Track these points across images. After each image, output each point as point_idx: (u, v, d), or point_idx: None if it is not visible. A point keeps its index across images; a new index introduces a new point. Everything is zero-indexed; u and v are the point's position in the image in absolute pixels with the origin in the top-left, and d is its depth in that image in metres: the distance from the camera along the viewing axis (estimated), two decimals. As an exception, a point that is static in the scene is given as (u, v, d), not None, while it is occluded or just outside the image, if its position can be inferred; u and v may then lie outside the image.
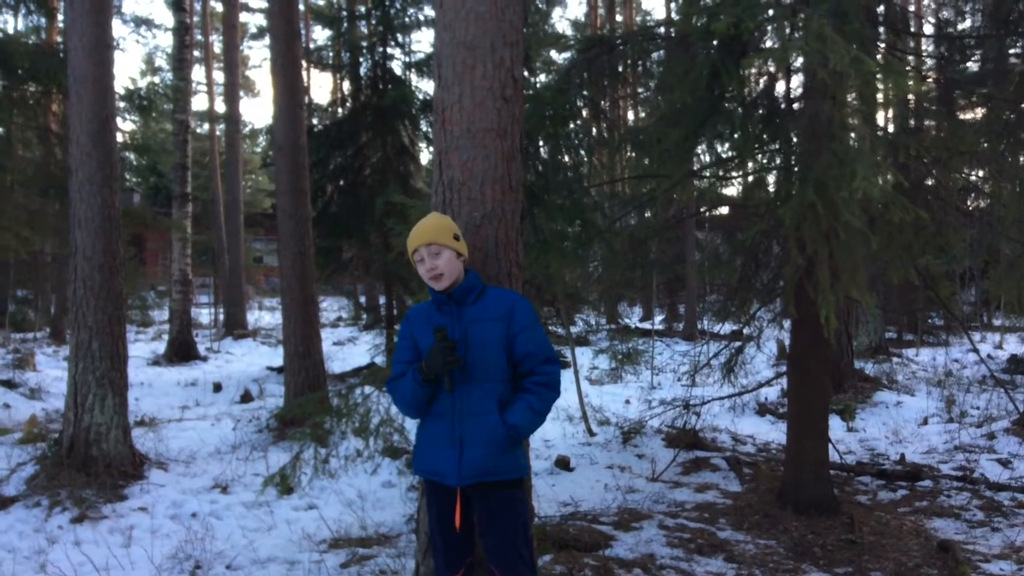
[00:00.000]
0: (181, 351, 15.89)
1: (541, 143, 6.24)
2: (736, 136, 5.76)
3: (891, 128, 9.95)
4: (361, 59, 13.86)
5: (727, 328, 12.50)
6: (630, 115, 27.21)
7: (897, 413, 10.42)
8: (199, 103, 28.95)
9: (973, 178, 7.47)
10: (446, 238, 3.17)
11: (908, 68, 8.31)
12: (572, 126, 6.49)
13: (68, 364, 6.99)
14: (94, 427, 6.79)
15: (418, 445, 3.25)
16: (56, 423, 9.18)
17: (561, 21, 33.01)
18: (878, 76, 4.09)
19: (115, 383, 6.88)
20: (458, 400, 3.11)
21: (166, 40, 36.30)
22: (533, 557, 3.31)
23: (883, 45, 7.65)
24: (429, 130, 13.89)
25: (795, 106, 6.00)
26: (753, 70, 5.27)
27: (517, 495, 3.23)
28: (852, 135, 4.52)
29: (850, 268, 4.98)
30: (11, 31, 17.05)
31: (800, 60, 5.13)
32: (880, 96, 4.78)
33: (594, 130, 7.36)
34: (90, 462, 6.70)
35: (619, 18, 31.06)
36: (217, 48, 30.04)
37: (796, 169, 5.50)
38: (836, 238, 4.86)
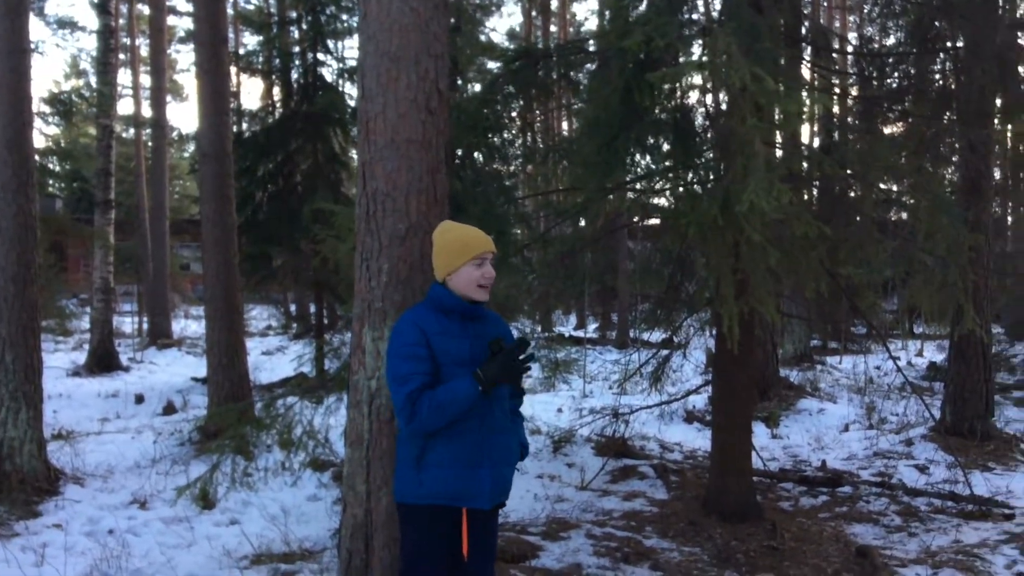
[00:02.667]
0: (102, 361, 15.44)
1: (469, 153, 6.24)
2: (649, 150, 5.87)
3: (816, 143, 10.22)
4: (292, 65, 13.69)
5: (658, 336, 12.66)
6: (564, 125, 27.42)
7: (820, 420, 10.67)
8: (125, 107, 28.29)
9: (895, 191, 7.69)
10: None
11: (835, 85, 8.56)
12: (499, 137, 6.51)
13: (-21, 377, 6.75)
14: (7, 442, 6.57)
15: (427, 469, 2.98)
16: (-32, 437, 8.84)
17: (495, 32, 33.08)
18: (779, 95, 4.19)
19: (29, 396, 6.66)
20: (486, 418, 2.99)
21: (91, 43, 35.40)
22: None
23: (807, 63, 7.86)
24: (361, 138, 13.76)
25: (712, 121, 6.14)
26: (667, 86, 5.35)
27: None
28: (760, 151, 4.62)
29: (755, 281, 5.08)
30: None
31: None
32: (781, 113, 4.88)
33: (527, 141, 7.40)
34: (2, 478, 6.48)
35: (554, 29, 31.30)
36: (144, 52, 29.36)
37: (708, 184, 5.61)
38: (743, 251, 4.96)
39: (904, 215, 7.68)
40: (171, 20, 29.22)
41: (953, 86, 8.50)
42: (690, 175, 5.75)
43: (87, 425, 9.86)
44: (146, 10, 27.04)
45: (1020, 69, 7.42)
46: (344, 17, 13.74)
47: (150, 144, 24.69)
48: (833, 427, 10.26)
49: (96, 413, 10.79)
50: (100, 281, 15.70)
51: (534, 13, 30.59)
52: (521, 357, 2.93)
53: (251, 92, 62.09)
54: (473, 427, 2.95)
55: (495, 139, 6.69)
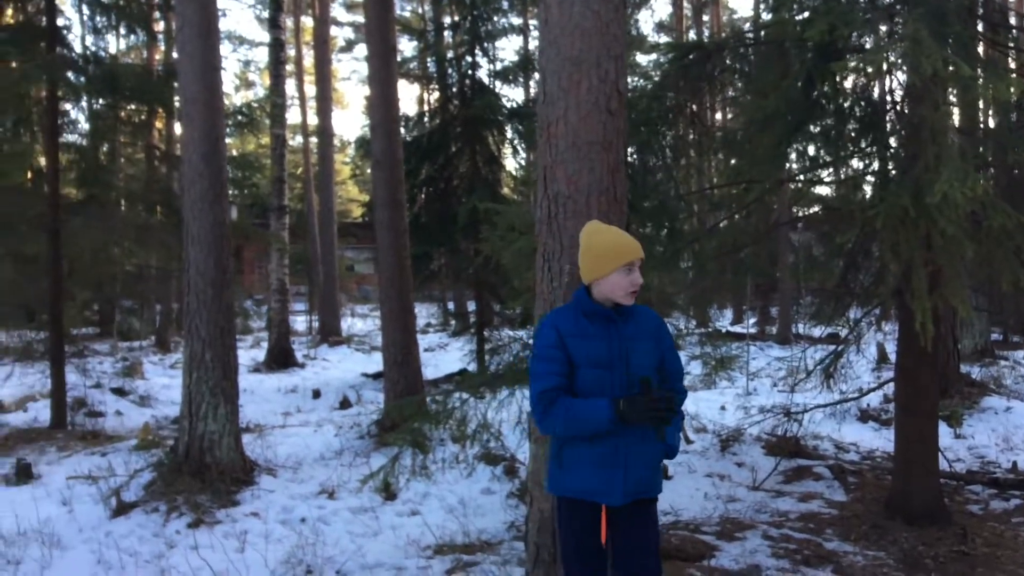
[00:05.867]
0: (280, 358, 16.30)
1: (640, 149, 6.25)
2: (831, 140, 5.68)
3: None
4: (448, 69, 14.03)
5: (824, 332, 12.21)
6: (717, 116, 26.86)
7: (1007, 419, 10.03)
8: (292, 116, 29.70)
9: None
10: None
11: (1012, 63, 8.03)
12: (666, 132, 6.48)
13: (182, 374, 7.28)
14: (208, 435, 7.05)
15: (565, 465, 3.12)
16: (165, 430, 9.55)
17: (646, 24, 32.79)
18: (975, 80, 3.98)
19: (227, 392, 7.14)
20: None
21: (256, 55, 37.32)
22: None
23: (982, 42, 7.40)
24: (516, 138, 13.98)
25: (899, 108, 5.89)
26: (849, 76, 5.16)
27: (655, 510, 3.22)
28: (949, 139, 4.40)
29: (949, 274, 4.84)
30: (113, 51, 17.73)
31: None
32: (986, 99, 4.64)
33: (691, 135, 7.33)
34: (204, 469, 6.95)
35: (705, 18, 30.70)
36: (307, 62, 30.74)
37: (893, 173, 5.38)
38: (936, 243, 4.74)
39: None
40: (331, 31, 30.50)
41: None
42: (877, 164, 5.54)
43: (271, 419, 10.46)
44: (310, 22, 28.38)
45: None
46: (495, 18, 13.97)
47: (316, 151, 25.85)
48: (1022, 427, 9.64)
49: (278, 407, 11.43)
50: (277, 282, 16.57)
51: (686, 4, 30.09)
52: (662, 406, 2.91)
53: (407, 97, 63.66)
54: (611, 431, 3.00)
55: (661, 134, 6.67)
